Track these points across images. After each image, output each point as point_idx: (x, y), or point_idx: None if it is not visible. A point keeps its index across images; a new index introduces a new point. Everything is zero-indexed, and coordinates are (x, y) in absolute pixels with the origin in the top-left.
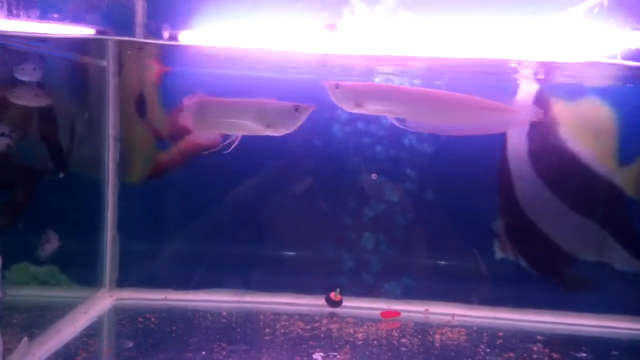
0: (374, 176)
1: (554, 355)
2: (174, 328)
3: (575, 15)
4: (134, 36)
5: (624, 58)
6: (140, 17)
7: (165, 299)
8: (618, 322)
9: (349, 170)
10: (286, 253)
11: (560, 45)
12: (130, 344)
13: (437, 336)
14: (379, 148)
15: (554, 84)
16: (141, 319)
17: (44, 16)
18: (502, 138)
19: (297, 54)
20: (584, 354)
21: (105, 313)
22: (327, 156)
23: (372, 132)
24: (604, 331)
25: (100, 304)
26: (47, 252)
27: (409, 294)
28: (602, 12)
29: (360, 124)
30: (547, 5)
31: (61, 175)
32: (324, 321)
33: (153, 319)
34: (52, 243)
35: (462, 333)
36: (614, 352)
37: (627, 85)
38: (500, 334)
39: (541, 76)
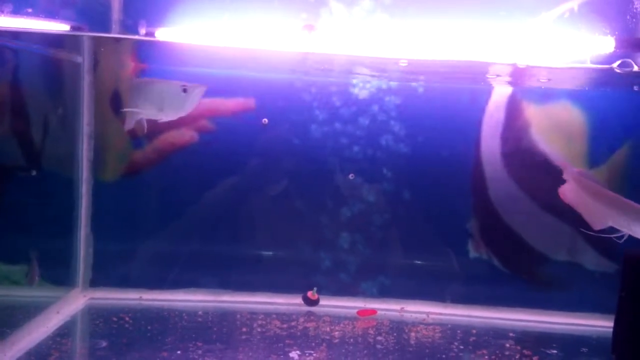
0: (351, 176)
1: (526, 352)
2: (148, 328)
3: (547, 20)
4: (109, 32)
5: (594, 63)
6: (116, 13)
7: (140, 299)
8: (587, 319)
9: (327, 170)
10: (263, 252)
11: (533, 50)
12: (104, 344)
13: (412, 334)
14: (356, 148)
15: (527, 88)
16: (115, 319)
17: (17, 11)
18: (476, 140)
19: (275, 53)
20: (555, 351)
21: (78, 313)
22: (305, 156)
23: (349, 132)
24: (574, 328)
25: (73, 303)
26: (29, 282)
27: (385, 293)
28: (573, 17)
29: (337, 125)
30: (520, 10)
31: (34, 173)
32: (301, 320)
33: (127, 319)
34: (32, 274)
35: (436, 331)
36: (583, 349)
37: (597, 89)
38: (474, 331)
39: (514, 79)
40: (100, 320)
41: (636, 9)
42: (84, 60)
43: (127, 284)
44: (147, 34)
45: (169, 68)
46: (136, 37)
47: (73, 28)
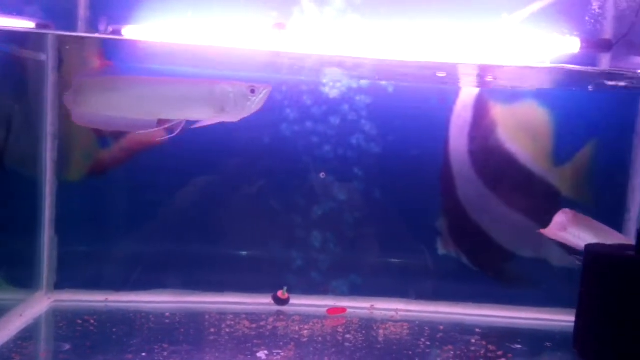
0: (322, 175)
1: (490, 347)
2: (114, 330)
3: (515, 21)
4: (75, 30)
5: (560, 63)
6: (82, 10)
7: (107, 301)
8: (552, 314)
9: (298, 169)
10: (233, 252)
11: (500, 50)
12: (67, 347)
13: (381, 331)
14: (327, 147)
15: (493, 88)
16: (80, 321)
17: None
18: (445, 139)
19: (245, 52)
20: (519, 346)
21: (42, 315)
22: (276, 155)
23: (320, 131)
24: (539, 323)
25: (37, 306)
26: None
27: (355, 291)
28: (540, 18)
29: (308, 124)
30: (488, 10)
31: None
32: (270, 320)
33: (92, 321)
34: None
35: (404, 327)
36: (547, 344)
37: (562, 88)
38: (441, 327)
39: (481, 79)
40: (64, 323)
41: (600, 10)
42: (48, 58)
43: (93, 286)
44: (113, 32)
45: (135, 65)
46: (104, 35)
47: (39, 26)
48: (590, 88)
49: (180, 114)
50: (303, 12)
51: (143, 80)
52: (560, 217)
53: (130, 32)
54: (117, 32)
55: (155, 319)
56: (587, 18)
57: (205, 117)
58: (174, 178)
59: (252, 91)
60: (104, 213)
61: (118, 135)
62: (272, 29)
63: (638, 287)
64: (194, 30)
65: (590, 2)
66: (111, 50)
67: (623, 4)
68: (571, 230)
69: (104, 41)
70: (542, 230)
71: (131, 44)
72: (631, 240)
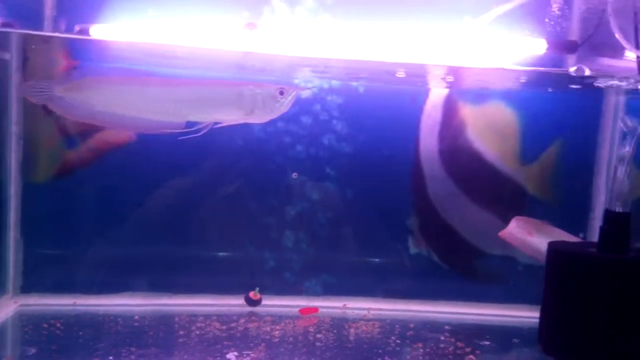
0: (294, 175)
1: (459, 344)
2: (80, 333)
3: (483, 23)
4: (41, 29)
5: (527, 64)
6: (49, 9)
7: (74, 304)
8: (520, 311)
9: (270, 169)
10: (205, 254)
11: (469, 51)
12: (33, 351)
13: (352, 330)
14: (299, 147)
15: (462, 88)
16: (46, 325)
17: None
18: (415, 139)
19: (216, 52)
20: (487, 342)
21: (8, 320)
22: (248, 156)
23: (292, 131)
24: (507, 320)
25: (2, 310)
26: None
27: (329, 291)
28: (508, 20)
29: (280, 124)
30: (457, 12)
31: None
32: (242, 321)
33: (59, 325)
34: None
35: (375, 326)
36: (515, 340)
37: (529, 90)
38: (412, 325)
39: (450, 79)
40: (30, 327)
41: (566, 12)
42: (12, 57)
43: (61, 289)
44: (81, 31)
45: (103, 65)
46: (71, 35)
47: (2, 24)
48: (550, 90)
49: (209, 116)
50: (274, 12)
51: (170, 82)
52: (512, 224)
53: (98, 31)
54: (85, 31)
55: (124, 322)
56: (551, 20)
57: (234, 118)
58: (143, 179)
59: (281, 93)
60: (71, 215)
61: (85, 135)
62: (243, 29)
63: (599, 283)
64: (164, 30)
65: (556, 4)
66: (79, 49)
67: (588, 6)
68: (522, 236)
69: (70, 41)
70: (500, 234)
71: (99, 43)
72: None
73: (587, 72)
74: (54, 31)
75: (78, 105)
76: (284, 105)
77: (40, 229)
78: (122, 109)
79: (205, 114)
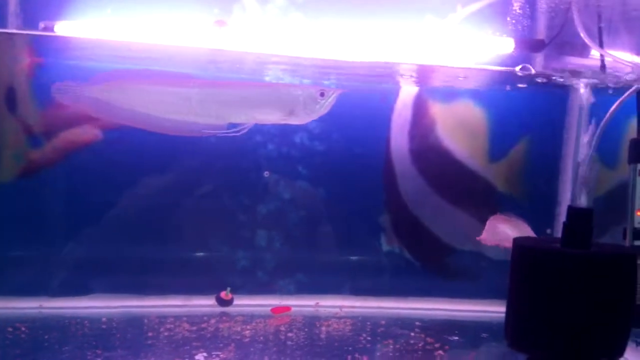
0: (266, 174)
1: (429, 339)
2: (46, 337)
3: (453, 22)
4: (6, 27)
5: (496, 64)
6: (13, 6)
7: (40, 307)
8: (490, 306)
9: (242, 168)
10: (176, 254)
11: (439, 50)
12: None
13: (324, 328)
14: (270, 146)
15: (432, 87)
16: (10, 329)
17: None
18: (386, 137)
19: (185, 49)
20: (456, 337)
21: None
22: (219, 154)
23: (264, 130)
24: (477, 315)
25: None
26: None
27: (302, 290)
28: (478, 19)
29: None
30: (428, 11)
31: None
32: (212, 321)
33: (24, 329)
34: None
35: (347, 324)
36: (484, 335)
37: (498, 88)
38: (383, 322)
39: (420, 79)
40: None
41: (533, 11)
42: None
43: (26, 292)
44: (45, 28)
45: (68, 63)
46: (35, 32)
47: None
48: (507, 88)
49: (250, 117)
50: (245, 10)
51: (213, 84)
52: (490, 223)
53: (63, 28)
54: (50, 28)
55: (91, 325)
56: (513, 19)
57: (274, 119)
58: (110, 179)
59: (322, 94)
60: (37, 215)
61: (50, 134)
62: (212, 26)
63: (562, 278)
64: (132, 27)
65: (517, 2)
66: (43, 46)
67: (551, 5)
68: (501, 235)
69: (34, 38)
70: (479, 238)
71: (64, 40)
72: None
73: (533, 71)
74: (19, 28)
75: (115, 107)
76: (324, 107)
77: (4, 230)
78: (162, 111)
79: (247, 115)
